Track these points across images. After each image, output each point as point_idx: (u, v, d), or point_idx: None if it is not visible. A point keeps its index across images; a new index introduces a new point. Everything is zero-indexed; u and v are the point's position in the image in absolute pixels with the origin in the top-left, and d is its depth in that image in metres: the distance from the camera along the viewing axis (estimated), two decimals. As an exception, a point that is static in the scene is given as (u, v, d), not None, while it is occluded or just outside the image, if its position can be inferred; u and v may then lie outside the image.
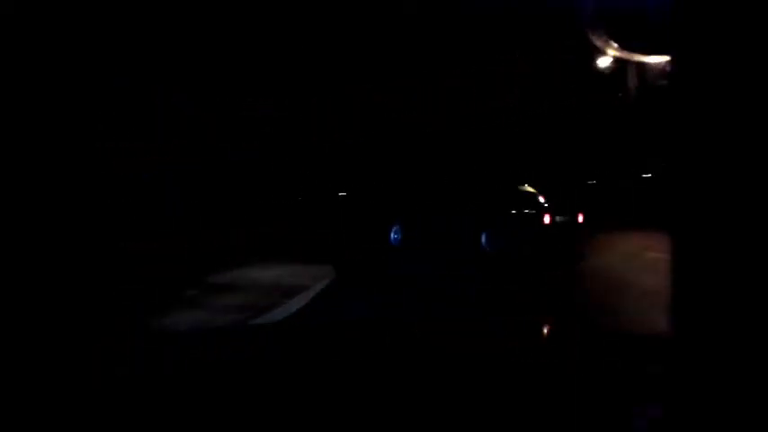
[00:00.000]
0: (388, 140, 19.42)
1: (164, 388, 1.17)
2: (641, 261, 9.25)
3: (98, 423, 1.00)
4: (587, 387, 1.19)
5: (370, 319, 3.44)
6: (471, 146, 19.24)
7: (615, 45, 1.19)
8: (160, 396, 1.12)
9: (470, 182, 14.13)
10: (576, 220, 12.10)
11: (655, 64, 1.17)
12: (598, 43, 1.18)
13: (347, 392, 1.13)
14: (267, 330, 2.37)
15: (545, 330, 1.85)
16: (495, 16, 14.68)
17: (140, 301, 6.74)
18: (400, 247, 12.86)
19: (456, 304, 6.76)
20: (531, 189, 12.39)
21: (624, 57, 1.22)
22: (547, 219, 11.46)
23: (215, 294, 7.19)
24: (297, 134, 20.12)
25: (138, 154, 16.74)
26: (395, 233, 13.07)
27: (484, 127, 18.73)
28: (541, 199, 11.85)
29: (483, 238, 11.75)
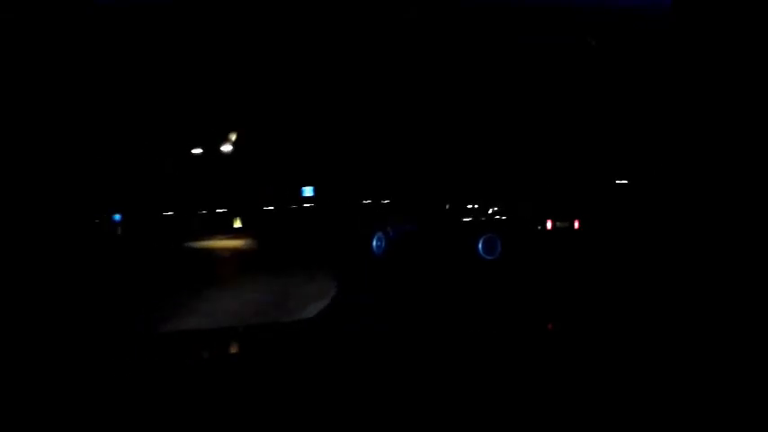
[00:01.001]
0: (376, 145, 19.39)
1: (163, 388, 1.18)
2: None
3: (99, 422, 1.00)
4: (588, 388, 1.19)
5: (368, 322, 3.43)
6: (463, 151, 19.17)
7: None
8: (159, 396, 1.12)
9: (465, 186, 13.86)
10: (573, 225, 11.86)
11: None
12: None
13: (347, 393, 1.13)
14: (267, 330, 2.37)
15: (547, 333, 1.86)
16: (491, 16, 14.67)
17: (145, 301, 6.74)
18: (383, 255, 12.21)
19: (451, 310, 6.71)
20: (530, 193, 12.20)
21: None
22: (549, 224, 11.23)
23: (224, 298, 7.17)
24: (291, 143, 20.14)
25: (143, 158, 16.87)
26: (377, 240, 12.40)
27: (477, 131, 18.72)
28: (541, 204, 11.66)
29: (480, 245, 11.37)
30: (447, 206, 12.43)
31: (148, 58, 14.60)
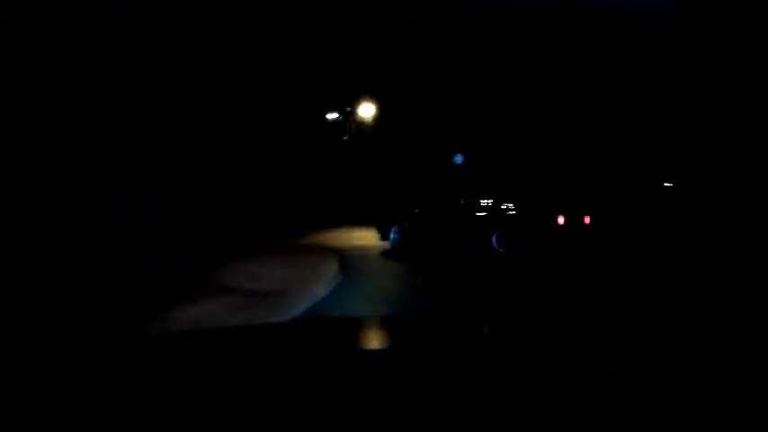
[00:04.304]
0: (394, 143, 19.48)
1: (162, 388, 1.17)
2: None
3: (98, 423, 0.99)
4: (587, 388, 1.19)
5: (370, 318, 3.43)
6: (478, 149, 19.21)
7: None
8: (159, 396, 1.12)
9: (479, 183, 14.03)
10: (583, 221, 11.94)
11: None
12: None
13: (347, 392, 1.13)
14: (268, 330, 2.37)
15: (544, 331, 1.85)
16: (491, 16, 14.69)
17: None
18: (398, 247, 12.96)
19: (458, 304, 6.79)
20: (541, 189, 12.28)
21: None
22: (561, 220, 11.37)
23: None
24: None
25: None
26: (393, 233, 13.15)
27: (490, 130, 18.74)
28: (553, 200, 11.78)
29: (493, 240, 11.76)
30: (462, 202, 12.74)
31: (149, 59, 14.61)
